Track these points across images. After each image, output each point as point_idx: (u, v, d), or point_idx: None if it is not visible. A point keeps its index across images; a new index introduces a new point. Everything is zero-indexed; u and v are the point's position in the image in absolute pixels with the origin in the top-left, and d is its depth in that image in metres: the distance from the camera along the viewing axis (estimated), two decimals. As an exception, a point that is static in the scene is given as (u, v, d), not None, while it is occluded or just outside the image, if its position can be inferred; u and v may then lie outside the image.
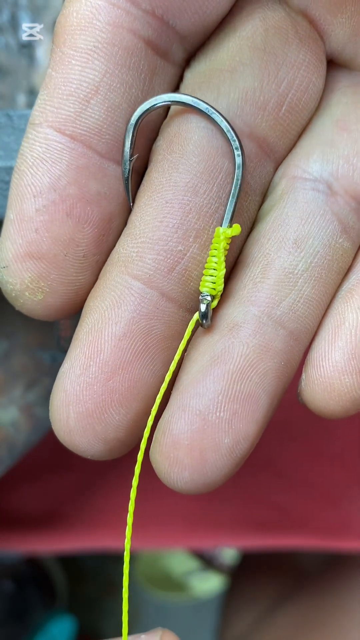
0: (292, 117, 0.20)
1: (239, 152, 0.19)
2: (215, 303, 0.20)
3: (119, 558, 0.89)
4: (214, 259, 0.19)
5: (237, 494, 0.47)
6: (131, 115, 0.19)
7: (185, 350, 0.20)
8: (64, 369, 0.20)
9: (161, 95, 0.19)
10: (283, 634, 0.50)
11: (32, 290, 0.19)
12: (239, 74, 0.19)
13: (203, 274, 0.20)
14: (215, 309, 0.20)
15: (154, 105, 0.19)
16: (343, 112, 0.21)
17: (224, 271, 0.19)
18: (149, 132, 0.20)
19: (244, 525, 0.47)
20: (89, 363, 0.19)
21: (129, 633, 0.21)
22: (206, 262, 0.20)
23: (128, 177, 0.19)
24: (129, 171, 0.19)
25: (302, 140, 0.21)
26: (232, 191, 0.19)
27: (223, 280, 0.20)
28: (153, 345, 0.19)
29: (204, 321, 0.20)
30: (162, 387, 0.20)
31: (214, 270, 0.19)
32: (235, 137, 0.19)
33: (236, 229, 0.19)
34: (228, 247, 0.20)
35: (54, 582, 0.80)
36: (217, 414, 0.19)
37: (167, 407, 0.19)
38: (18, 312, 0.26)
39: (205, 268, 0.20)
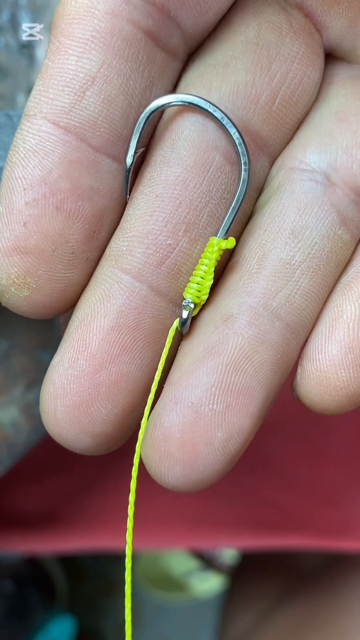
0: (286, 110, 0.20)
1: (247, 167, 0.19)
2: (196, 311, 0.20)
3: (119, 558, 0.89)
4: (203, 267, 0.19)
5: (236, 494, 0.47)
6: (139, 109, 0.19)
7: (167, 356, 0.20)
8: (53, 362, 0.19)
9: (181, 95, 0.19)
10: (283, 634, 0.50)
11: (18, 286, 0.19)
12: (232, 68, 0.19)
13: (190, 280, 0.20)
14: (209, 301, 0.20)
15: (170, 103, 0.19)
16: (342, 104, 0.20)
17: (211, 282, 0.19)
18: (149, 129, 0.20)
19: (243, 525, 0.47)
20: (77, 356, 0.19)
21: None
22: (195, 269, 0.20)
23: (130, 168, 0.19)
24: (131, 163, 0.19)
25: (299, 132, 0.21)
26: (232, 204, 0.19)
27: (209, 290, 0.19)
28: (141, 340, 0.19)
29: (182, 327, 0.19)
30: (152, 386, 0.20)
31: (201, 279, 0.19)
32: (245, 152, 0.19)
33: (231, 242, 0.19)
34: (220, 258, 0.20)
35: (54, 582, 0.80)
36: (210, 406, 0.18)
37: (159, 400, 0.19)
38: (18, 312, 0.26)
39: (193, 275, 0.19)
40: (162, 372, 0.20)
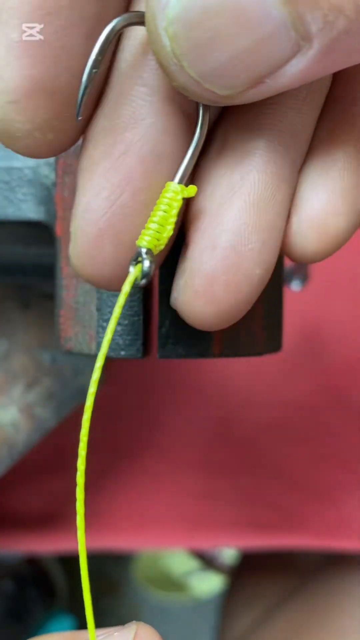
0: None
1: (207, 110, 0.18)
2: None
3: (119, 558, 0.89)
4: (160, 213, 0.18)
5: (237, 495, 0.47)
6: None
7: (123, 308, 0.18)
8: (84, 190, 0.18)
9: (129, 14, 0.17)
10: (283, 634, 0.50)
11: (44, 130, 0.17)
12: None
13: (145, 227, 0.18)
14: (226, 137, 0.19)
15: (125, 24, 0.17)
16: None
17: (171, 233, 0.18)
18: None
19: (244, 525, 0.47)
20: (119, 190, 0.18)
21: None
22: (151, 215, 0.18)
23: (87, 86, 0.17)
24: (89, 81, 0.17)
25: None
26: (190, 151, 0.18)
27: (167, 241, 0.18)
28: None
29: (143, 281, 0.18)
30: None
31: (158, 226, 0.18)
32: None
33: (192, 190, 0.18)
34: (181, 205, 0.18)
35: (54, 582, 0.80)
36: (248, 245, 0.18)
37: (190, 250, 0.19)
38: (18, 312, 0.26)
39: (148, 221, 0.18)
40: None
